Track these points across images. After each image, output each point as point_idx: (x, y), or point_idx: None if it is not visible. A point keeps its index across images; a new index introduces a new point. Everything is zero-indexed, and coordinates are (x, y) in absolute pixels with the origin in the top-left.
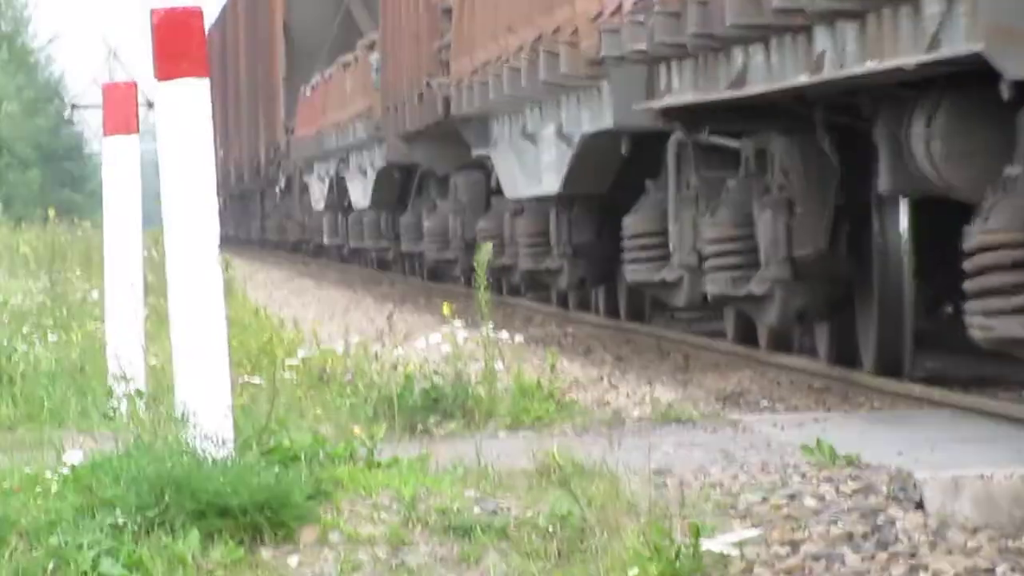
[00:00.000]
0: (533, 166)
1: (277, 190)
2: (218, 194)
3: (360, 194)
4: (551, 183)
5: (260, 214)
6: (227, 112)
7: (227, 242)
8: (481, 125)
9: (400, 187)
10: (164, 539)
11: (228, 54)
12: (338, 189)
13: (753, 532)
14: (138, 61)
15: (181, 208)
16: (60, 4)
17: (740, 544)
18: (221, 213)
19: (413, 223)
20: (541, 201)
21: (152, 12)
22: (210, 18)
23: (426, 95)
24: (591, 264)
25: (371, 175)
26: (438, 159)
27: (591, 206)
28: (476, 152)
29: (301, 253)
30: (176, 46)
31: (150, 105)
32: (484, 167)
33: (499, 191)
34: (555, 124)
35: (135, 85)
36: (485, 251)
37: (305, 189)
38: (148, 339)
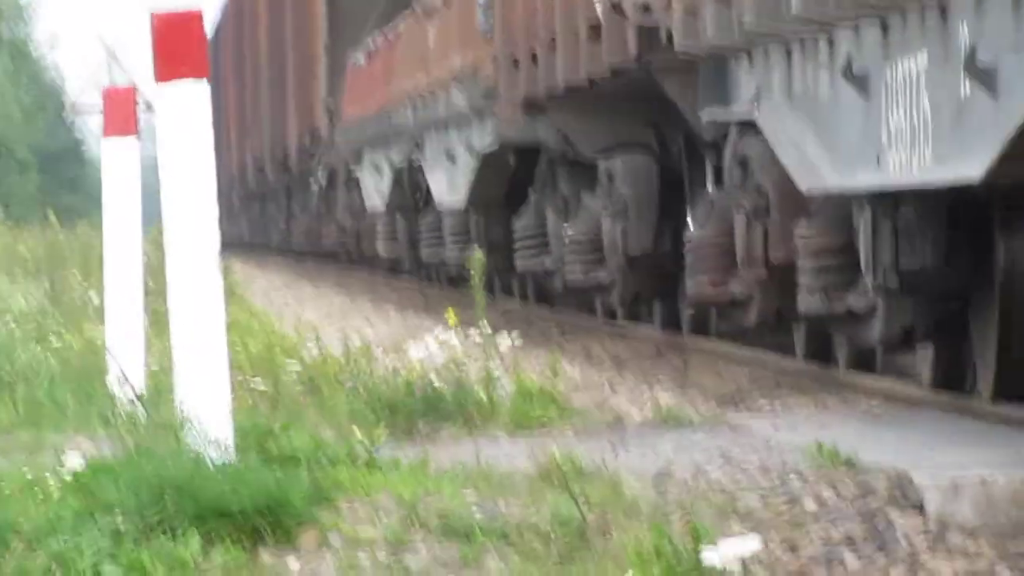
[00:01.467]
0: (861, 134)
1: (313, 186)
2: (232, 193)
3: (445, 188)
4: (929, 164)
5: (285, 216)
6: (244, 97)
7: (241, 249)
8: (715, 70)
9: (511, 178)
10: (164, 542)
11: (246, 26)
12: (409, 183)
13: (755, 543)
14: (138, 63)
15: (181, 211)
16: (60, 6)
17: (743, 560)
18: (234, 215)
19: (534, 229)
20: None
21: (152, 15)
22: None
23: (607, 28)
24: (926, 304)
25: (467, 162)
26: (585, 135)
27: (932, 204)
28: (711, 114)
29: (340, 264)
30: (176, 48)
31: (149, 107)
32: (650, 147)
33: (719, 182)
34: (947, 49)
35: (135, 88)
36: (478, 256)
37: (354, 185)
38: (148, 343)
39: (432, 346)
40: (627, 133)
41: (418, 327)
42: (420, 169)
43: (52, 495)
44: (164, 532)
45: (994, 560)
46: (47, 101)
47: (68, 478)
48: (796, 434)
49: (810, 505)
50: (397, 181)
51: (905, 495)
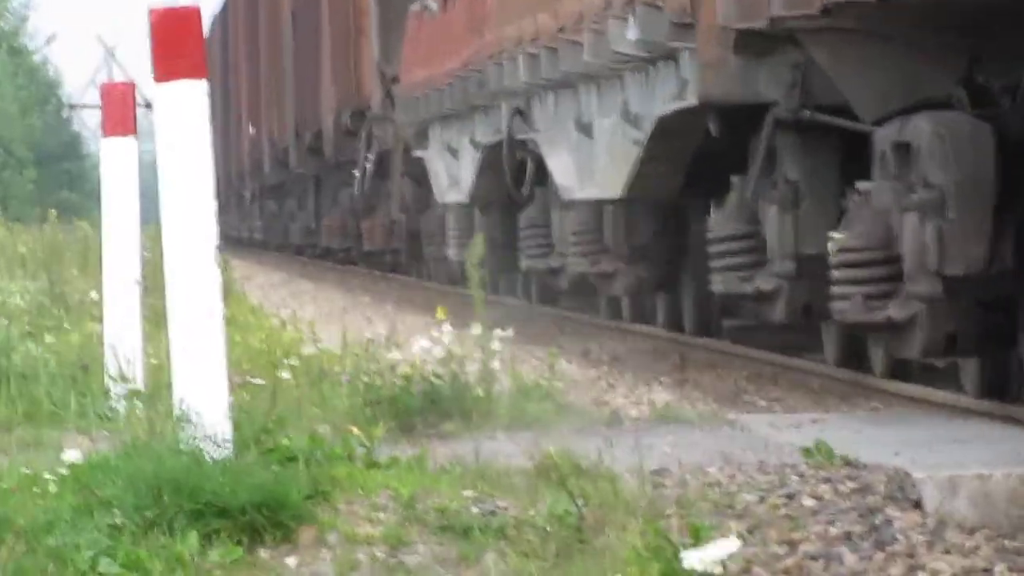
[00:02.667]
0: None
1: (357, 174)
2: (244, 186)
3: (575, 174)
4: None
5: (313, 211)
6: (260, 71)
7: (253, 250)
8: None
9: (696, 155)
10: (162, 539)
11: None
12: (510, 163)
13: (734, 545)
14: (136, 60)
15: (179, 209)
16: (58, 3)
17: (723, 562)
18: (246, 211)
19: (743, 232)
20: None
21: (150, 11)
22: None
23: None
24: None
25: (625, 135)
26: (862, 84)
27: None
28: None
29: (381, 269)
30: (174, 47)
31: (148, 105)
32: (958, 103)
33: None
34: None
35: (133, 85)
36: (478, 244)
37: (415, 171)
38: (146, 339)
39: (431, 343)
40: (935, 82)
41: (417, 325)
42: (525, 147)
43: (50, 491)
44: (162, 529)
45: (991, 558)
46: (46, 98)
47: (66, 474)
48: (794, 432)
49: (808, 503)
50: (488, 165)
51: (903, 493)
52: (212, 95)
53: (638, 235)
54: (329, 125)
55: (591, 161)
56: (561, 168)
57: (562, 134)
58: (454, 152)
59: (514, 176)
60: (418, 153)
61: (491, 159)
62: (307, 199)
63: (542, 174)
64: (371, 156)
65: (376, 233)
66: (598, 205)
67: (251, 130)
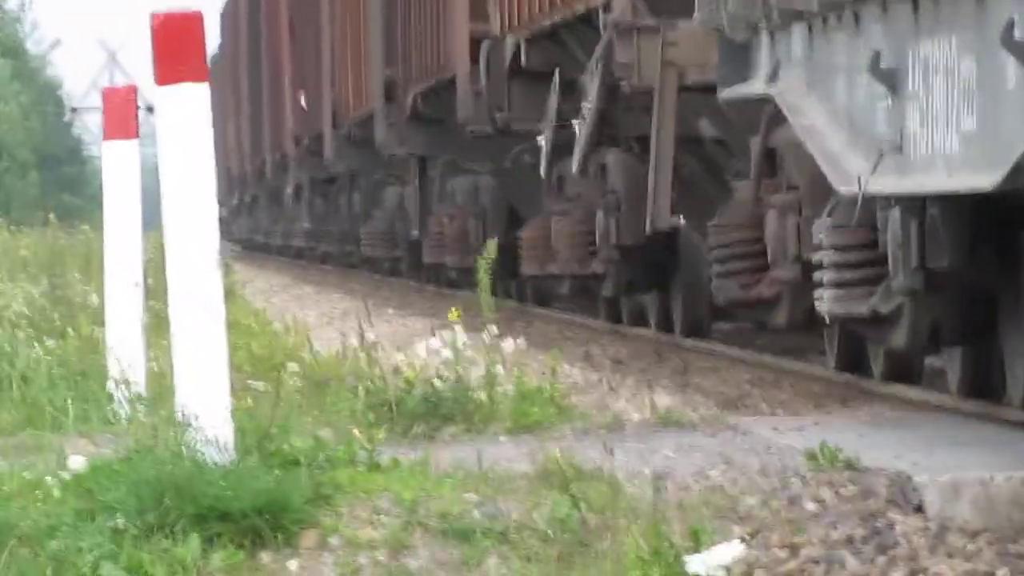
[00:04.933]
0: None
1: (542, 143)
2: (283, 181)
3: None
4: None
5: (413, 210)
6: (316, 26)
7: (284, 255)
8: None
9: None
10: (165, 543)
11: None
12: None
13: (738, 549)
14: (138, 64)
15: (181, 213)
16: (60, 6)
17: (727, 566)
18: (286, 211)
19: None
20: None
21: (152, 16)
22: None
23: None
24: None
25: None
26: None
27: None
28: None
29: (545, 305)
30: (176, 51)
31: (150, 109)
32: None
33: None
34: None
35: (135, 89)
36: (491, 248)
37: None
38: (149, 343)
39: (433, 347)
40: None
41: (418, 328)
42: None
43: (52, 495)
44: (164, 533)
45: (994, 561)
46: (48, 102)
47: (68, 479)
48: (796, 436)
49: (810, 506)
50: None
51: (905, 496)
52: (236, 72)
53: None
54: (465, 69)
55: None
56: None
57: None
58: (892, 78)
59: None
60: (736, 91)
61: None
62: (392, 193)
63: None
64: (589, 105)
65: (560, 246)
66: None
67: (302, 101)
